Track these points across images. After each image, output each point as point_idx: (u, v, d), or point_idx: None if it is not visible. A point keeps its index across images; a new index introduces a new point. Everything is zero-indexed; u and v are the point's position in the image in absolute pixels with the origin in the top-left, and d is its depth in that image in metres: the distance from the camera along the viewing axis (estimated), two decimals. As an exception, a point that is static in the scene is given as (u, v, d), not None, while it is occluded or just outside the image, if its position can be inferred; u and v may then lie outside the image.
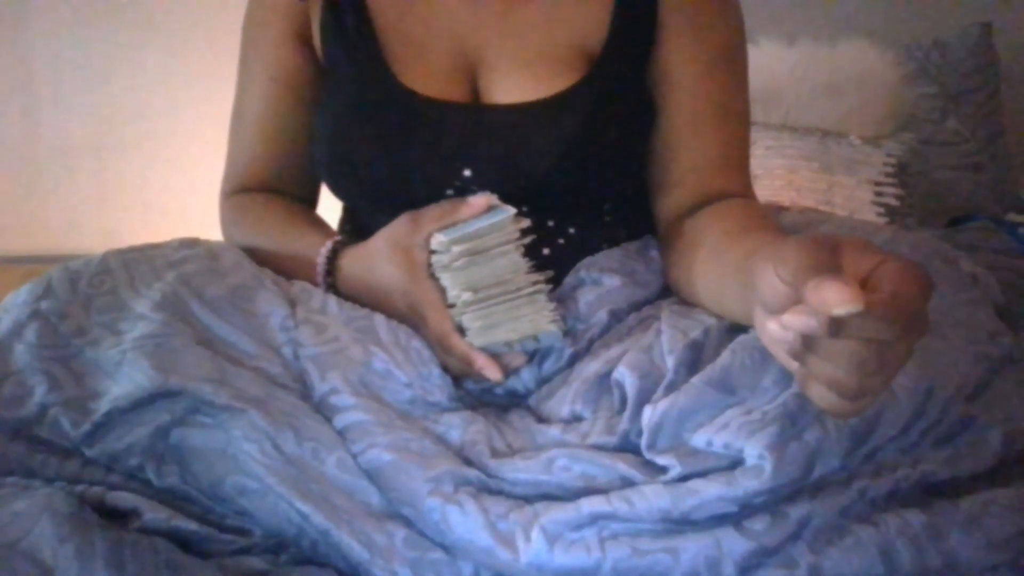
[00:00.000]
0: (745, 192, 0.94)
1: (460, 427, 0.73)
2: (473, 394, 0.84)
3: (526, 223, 0.81)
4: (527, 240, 0.81)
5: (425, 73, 0.93)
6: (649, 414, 0.67)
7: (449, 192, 0.89)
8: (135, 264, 0.80)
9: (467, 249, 0.79)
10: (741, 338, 0.70)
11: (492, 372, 0.79)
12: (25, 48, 2.26)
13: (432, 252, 0.82)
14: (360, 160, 0.91)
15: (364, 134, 0.91)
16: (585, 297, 0.86)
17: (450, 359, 0.81)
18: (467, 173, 0.89)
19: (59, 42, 2.26)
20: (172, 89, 2.29)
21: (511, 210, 0.80)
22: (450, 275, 0.80)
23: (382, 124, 0.91)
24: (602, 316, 0.84)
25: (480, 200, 0.81)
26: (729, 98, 0.94)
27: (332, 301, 0.82)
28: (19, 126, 2.28)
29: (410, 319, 0.83)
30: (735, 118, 0.94)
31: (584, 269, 0.89)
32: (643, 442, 0.67)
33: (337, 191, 0.98)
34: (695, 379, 0.68)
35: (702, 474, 0.64)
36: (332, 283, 0.88)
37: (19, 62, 2.26)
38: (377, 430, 0.70)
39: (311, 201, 1.07)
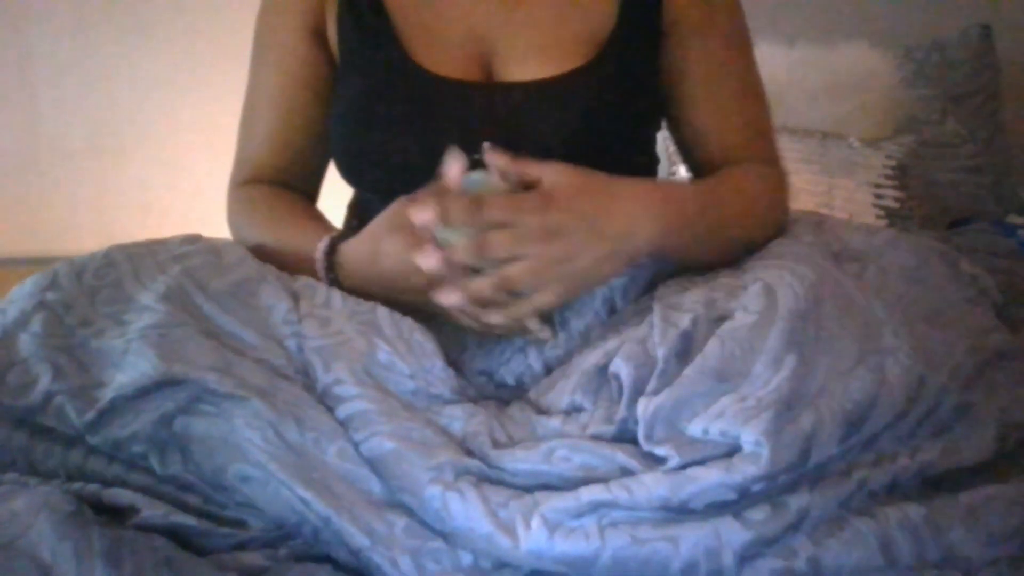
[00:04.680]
0: (768, 158, 1.00)
1: (462, 419, 0.74)
2: (476, 386, 0.84)
3: (504, 166, 0.79)
4: (513, 180, 0.79)
5: (440, 57, 0.97)
6: (643, 406, 0.68)
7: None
8: (139, 258, 0.81)
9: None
10: (727, 326, 0.71)
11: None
12: (25, 50, 2.26)
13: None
14: (380, 140, 0.94)
15: (383, 114, 0.94)
16: None
17: (490, 316, 0.79)
18: (486, 146, 0.90)
19: (59, 44, 2.26)
20: (172, 91, 2.30)
21: (488, 165, 0.79)
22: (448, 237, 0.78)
23: (400, 103, 0.94)
24: (596, 304, 0.85)
25: (453, 166, 0.79)
26: (744, 81, 1.01)
27: (336, 295, 0.83)
28: (19, 128, 2.29)
29: (422, 295, 0.82)
30: (753, 98, 1.02)
31: None
32: (640, 433, 0.67)
33: (353, 176, 1.01)
34: (688, 369, 0.69)
35: (700, 462, 0.64)
36: (335, 278, 0.88)
37: (19, 64, 2.26)
38: (379, 419, 0.71)
39: (312, 195, 1.10)
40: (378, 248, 0.84)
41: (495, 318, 0.78)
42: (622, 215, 0.77)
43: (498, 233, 0.73)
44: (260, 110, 1.05)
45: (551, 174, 0.77)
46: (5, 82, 2.26)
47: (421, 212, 0.76)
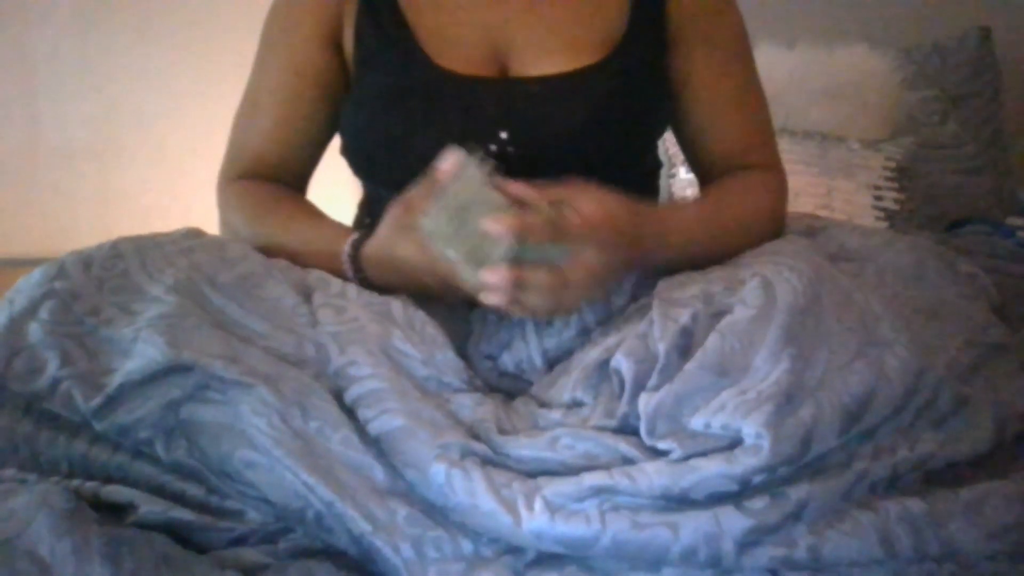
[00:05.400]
0: (767, 163, 1.05)
1: (470, 407, 0.75)
2: (482, 374, 0.86)
3: (489, 163, 0.82)
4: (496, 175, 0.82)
5: (456, 56, 0.99)
6: (645, 402, 0.69)
7: (492, 148, 0.94)
8: (147, 250, 0.82)
9: (445, 218, 0.79)
10: (726, 321, 0.72)
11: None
12: (26, 51, 2.26)
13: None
14: (397, 134, 0.96)
15: (400, 109, 0.97)
16: None
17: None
18: (503, 135, 0.94)
19: (60, 45, 2.26)
20: (173, 93, 2.29)
21: (472, 159, 0.81)
22: (444, 244, 0.80)
23: (417, 99, 0.97)
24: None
25: (446, 162, 0.82)
26: (745, 91, 1.05)
27: (351, 287, 0.85)
28: (20, 129, 2.28)
29: (444, 290, 0.85)
30: (754, 105, 1.06)
31: None
32: (642, 428, 0.68)
33: (369, 172, 1.03)
34: (689, 365, 0.69)
35: (702, 454, 0.65)
36: (364, 278, 0.90)
37: (20, 65, 2.26)
38: (391, 397, 0.72)
39: (301, 192, 1.10)
40: (393, 254, 0.86)
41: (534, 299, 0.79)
42: (647, 239, 0.85)
43: (588, 250, 0.78)
44: (263, 106, 1.06)
45: (592, 200, 0.81)
46: (5, 82, 2.26)
47: (501, 227, 0.77)
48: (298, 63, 1.04)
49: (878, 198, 1.78)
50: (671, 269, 0.87)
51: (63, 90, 2.28)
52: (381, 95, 0.99)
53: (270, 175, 1.05)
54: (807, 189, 1.76)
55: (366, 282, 0.89)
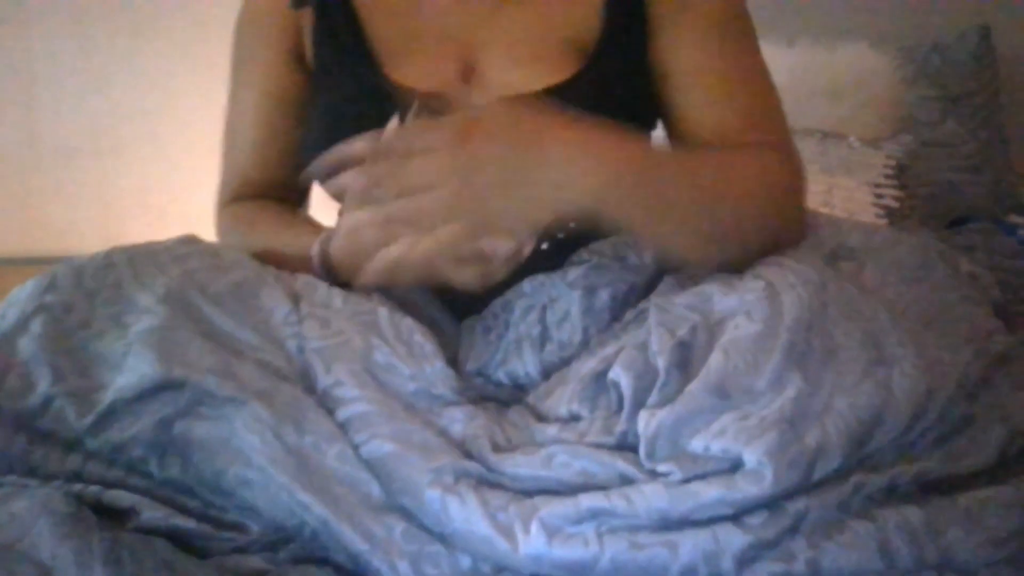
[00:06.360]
0: (773, 143, 0.92)
1: (463, 421, 0.74)
2: (476, 387, 0.84)
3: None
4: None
5: (417, 68, 0.94)
6: (645, 422, 0.67)
7: None
8: (139, 259, 0.81)
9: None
10: (731, 336, 0.70)
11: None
12: (25, 50, 2.26)
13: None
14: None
15: (355, 131, 0.89)
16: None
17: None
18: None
19: (60, 44, 2.27)
20: (172, 91, 2.30)
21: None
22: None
23: (369, 121, 0.87)
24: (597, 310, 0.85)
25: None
26: (741, 70, 0.95)
27: (337, 295, 0.82)
28: (19, 128, 2.29)
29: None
30: (753, 87, 0.95)
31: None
32: (641, 451, 0.67)
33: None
34: (692, 386, 0.67)
35: (702, 477, 0.64)
36: (335, 278, 0.87)
37: (20, 64, 2.26)
38: (380, 421, 0.71)
39: (301, 206, 1.10)
40: (356, 249, 0.82)
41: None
42: (555, 161, 0.72)
43: (414, 161, 0.72)
44: (241, 130, 1.04)
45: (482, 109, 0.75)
46: (5, 82, 2.26)
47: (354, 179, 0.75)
48: (266, 83, 1.02)
49: (878, 196, 1.78)
50: (635, 232, 0.82)
51: (63, 89, 2.29)
52: (328, 118, 0.95)
53: (261, 195, 1.04)
54: (807, 187, 1.76)
55: (338, 282, 0.86)
